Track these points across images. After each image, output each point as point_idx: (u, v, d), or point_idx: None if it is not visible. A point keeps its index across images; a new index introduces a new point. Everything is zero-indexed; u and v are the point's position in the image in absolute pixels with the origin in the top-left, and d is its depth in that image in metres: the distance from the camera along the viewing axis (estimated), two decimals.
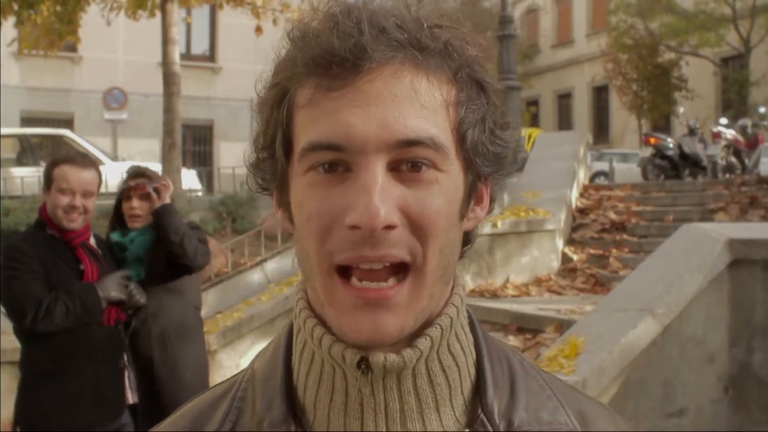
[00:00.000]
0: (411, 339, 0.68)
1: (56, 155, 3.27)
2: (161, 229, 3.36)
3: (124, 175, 3.62)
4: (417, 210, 0.65)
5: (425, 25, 0.67)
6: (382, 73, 0.64)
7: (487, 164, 0.71)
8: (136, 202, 3.44)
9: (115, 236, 3.48)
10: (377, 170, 0.64)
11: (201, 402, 0.78)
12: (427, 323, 0.69)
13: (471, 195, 0.72)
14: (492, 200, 0.76)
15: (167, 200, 3.42)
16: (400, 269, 0.66)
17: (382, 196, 0.63)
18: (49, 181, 3.08)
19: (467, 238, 0.74)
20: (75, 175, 3.05)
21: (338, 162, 0.65)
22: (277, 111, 0.68)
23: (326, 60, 0.64)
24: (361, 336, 0.65)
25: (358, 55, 0.63)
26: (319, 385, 0.70)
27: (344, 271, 0.66)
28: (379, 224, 0.62)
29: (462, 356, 0.71)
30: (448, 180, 0.67)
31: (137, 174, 3.52)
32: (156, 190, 3.43)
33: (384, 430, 0.68)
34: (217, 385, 0.81)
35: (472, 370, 0.72)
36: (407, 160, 0.65)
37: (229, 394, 0.76)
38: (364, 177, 0.64)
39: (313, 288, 0.69)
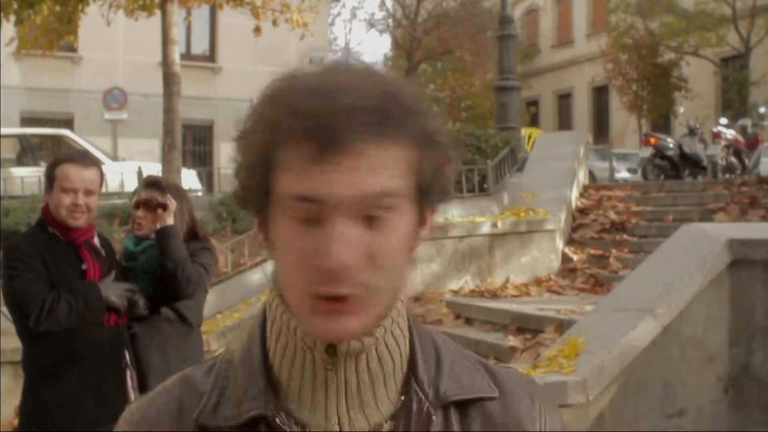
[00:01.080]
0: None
1: (58, 154, 3.26)
2: (160, 250, 3.37)
3: (140, 184, 3.63)
4: (376, 252, 0.81)
5: (387, 96, 0.81)
6: (353, 149, 0.80)
7: (435, 198, 0.88)
8: (141, 212, 3.43)
9: (128, 243, 3.47)
10: (343, 223, 0.80)
11: (187, 377, 0.92)
12: (380, 316, 0.86)
13: (419, 223, 0.88)
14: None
15: (169, 221, 3.38)
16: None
17: (344, 244, 0.79)
18: (51, 180, 3.07)
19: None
20: (77, 174, 3.05)
21: (315, 213, 0.81)
22: (260, 164, 0.84)
23: (307, 137, 0.80)
24: (327, 336, 0.83)
25: (333, 138, 0.79)
26: (292, 365, 0.87)
27: None
28: (336, 267, 0.79)
29: (402, 340, 0.89)
30: (401, 218, 0.83)
31: (150, 184, 3.51)
32: (162, 206, 3.42)
33: (344, 399, 0.86)
34: (196, 365, 0.94)
35: (407, 352, 0.90)
36: (369, 212, 0.81)
37: (212, 372, 0.91)
38: (330, 229, 0.80)
39: (286, 294, 0.86)
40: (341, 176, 0.79)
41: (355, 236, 0.80)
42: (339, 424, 0.86)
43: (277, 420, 0.85)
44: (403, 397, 0.88)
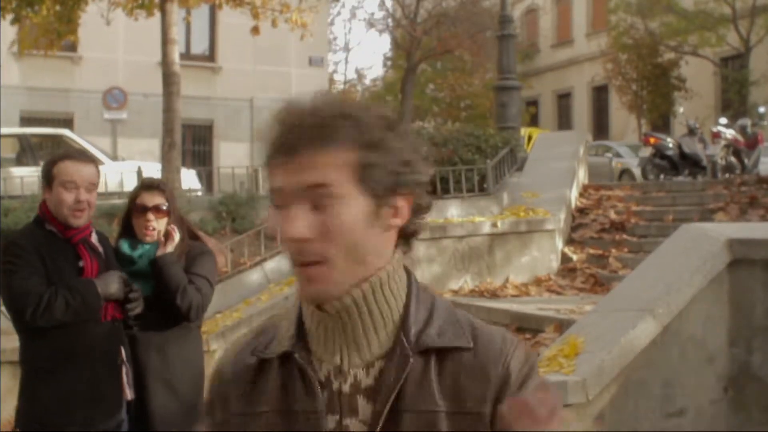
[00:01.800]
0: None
1: (54, 153, 3.24)
2: (158, 277, 3.36)
3: (136, 186, 3.58)
4: (326, 229, 1.11)
5: (332, 116, 1.12)
6: (303, 155, 1.12)
7: (383, 190, 1.13)
8: (151, 216, 3.39)
9: (124, 248, 3.44)
10: (294, 206, 1.12)
11: (242, 340, 1.30)
12: (357, 281, 1.15)
13: (380, 209, 1.14)
14: (420, 207, 1.20)
15: (168, 249, 3.38)
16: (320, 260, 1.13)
17: (298, 221, 1.11)
18: (50, 178, 3.05)
19: (405, 233, 1.20)
20: (77, 170, 3.03)
21: (279, 201, 1.14)
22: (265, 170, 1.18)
23: (277, 150, 1.14)
24: (307, 298, 1.17)
25: (289, 149, 1.12)
26: (311, 317, 1.19)
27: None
28: (293, 238, 1.11)
29: (393, 301, 1.18)
30: (349, 204, 1.11)
31: (150, 186, 3.46)
32: (167, 213, 3.40)
33: (344, 342, 1.16)
34: (273, 316, 1.30)
35: (400, 309, 1.18)
36: (314, 199, 1.11)
37: (262, 331, 1.28)
38: (286, 211, 1.12)
39: None
40: (291, 173, 1.12)
41: (303, 215, 1.11)
42: (341, 359, 1.17)
43: (295, 355, 1.18)
44: (392, 343, 1.16)
